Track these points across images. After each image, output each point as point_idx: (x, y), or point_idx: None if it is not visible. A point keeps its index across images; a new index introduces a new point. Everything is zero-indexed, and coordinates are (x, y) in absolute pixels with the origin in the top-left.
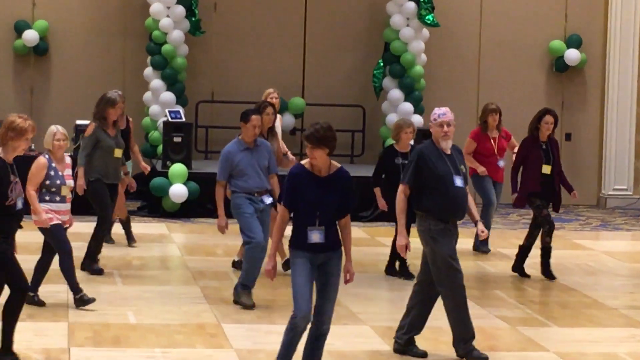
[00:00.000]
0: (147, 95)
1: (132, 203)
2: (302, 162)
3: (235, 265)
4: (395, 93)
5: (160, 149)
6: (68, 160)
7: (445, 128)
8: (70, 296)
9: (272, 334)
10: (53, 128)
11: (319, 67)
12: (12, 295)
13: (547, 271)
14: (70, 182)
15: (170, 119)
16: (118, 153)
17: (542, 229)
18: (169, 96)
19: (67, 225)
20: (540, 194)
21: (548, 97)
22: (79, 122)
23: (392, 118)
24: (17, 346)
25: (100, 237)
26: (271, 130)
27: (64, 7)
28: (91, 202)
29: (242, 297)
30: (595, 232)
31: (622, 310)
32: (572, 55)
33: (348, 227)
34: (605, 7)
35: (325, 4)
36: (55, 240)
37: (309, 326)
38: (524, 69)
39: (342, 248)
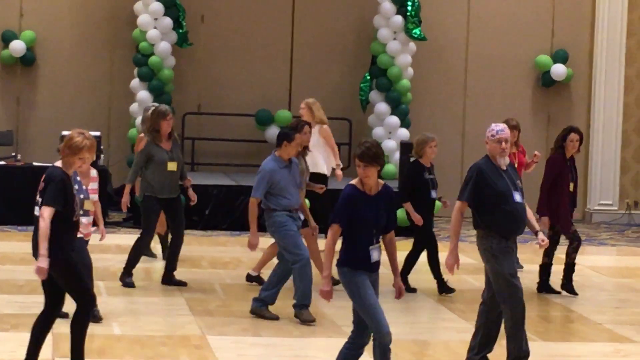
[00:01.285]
0: (134, 107)
1: (117, 214)
2: (352, 181)
3: (251, 279)
4: (382, 106)
5: None
6: (94, 173)
7: (504, 145)
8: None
9: (257, 345)
10: None
11: (305, 79)
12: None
13: (569, 286)
14: (94, 197)
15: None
16: (172, 166)
17: (570, 245)
18: None
19: (87, 239)
20: (568, 212)
21: (534, 111)
22: (65, 132)
23: (378, 131)
24: (1, 357)
25: (138, 251)
26: (305, 147)
27: (52, 18)
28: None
29: (303, 315)
30: (581, 247)
31: (607, 325)
32: (559, 70)
33: (393, 242)
34: (592, 22)
35: (312, 17)
36: None
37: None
38: (511, 84)
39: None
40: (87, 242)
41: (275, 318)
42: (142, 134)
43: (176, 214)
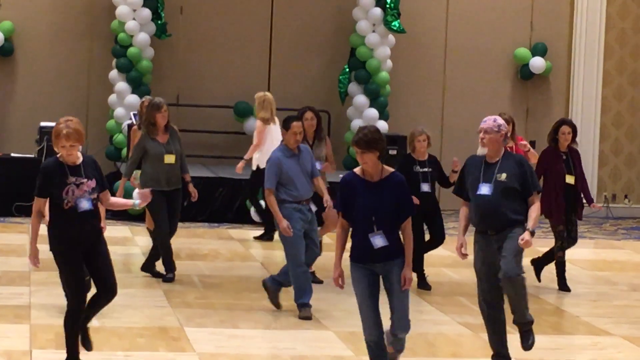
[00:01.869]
0: (112, 98)
1: None
2: (355, 169)
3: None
4: (361, 99)
5: (124, 151)
6: None
7: (481, 135)
8: (32, 299)
9: (236, 337)
10: None
11: (284, 71)
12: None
13: (561, 283)
14: None
15: (135, 122)
16: (169, 159)
17: (555, 243)
18: (134, 99)
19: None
20: (560, 207)
21: (513, 104)
22: (43, 123)
23: (357, 123)
24: None
25: (162, 245)
26: (318, 134)
27: (30, 9)
28: None
29: (300, 312)
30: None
31: (584, 318)
32: (537, 63)
33: (406, 231)
34: (571, 15)
35: (291, 9)
36: None
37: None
38: (489, 76)
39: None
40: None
41: (277, 306)
42: (135, 127)
43: (172, 207)
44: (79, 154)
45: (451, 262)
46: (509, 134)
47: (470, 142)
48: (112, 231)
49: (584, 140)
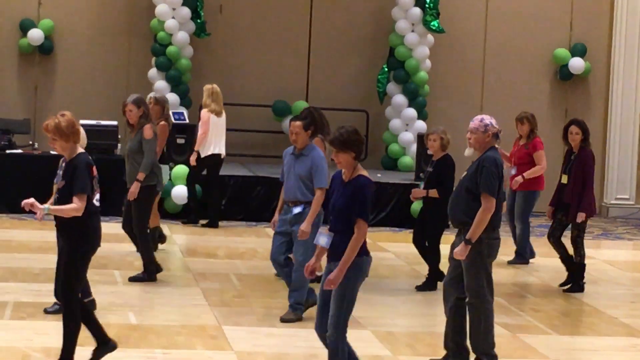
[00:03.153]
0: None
1: None
2: None
3: None
4: (399, 98)
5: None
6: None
7: (468, 135)
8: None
9: (273, 336)
10: None
11: (323, 70)
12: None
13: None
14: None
15: (174, 120)
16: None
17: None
18: (173, 97)
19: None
20: (556, 204)
21: (552, 105)
22: (82, 121)
23: (395, 123)
24: (17, 345)
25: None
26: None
27: (70, 7)
28: None
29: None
30: (597, 241)
31: (622, 319)
32: (577, 64)
33: (355, 235)
34: (610, 16)
35: (331, 8)
36: None
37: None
38: (528, 77)
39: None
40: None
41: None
42: (164, 123)
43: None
44: (77, 153)
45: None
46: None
47: (508, 143)
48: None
49: (623, 141)
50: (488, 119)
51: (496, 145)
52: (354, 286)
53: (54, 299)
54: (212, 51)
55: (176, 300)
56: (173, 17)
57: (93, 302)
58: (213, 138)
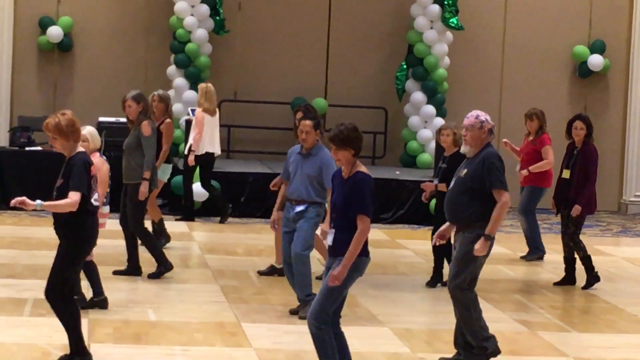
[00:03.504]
0: (170, 94)
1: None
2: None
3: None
4: (418, 95)
5: (182, 147)
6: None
7: (463, 132)
8: (89, 293)
9: (292, 333)
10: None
11: (342, 68)
12: None
13: (564, 279)
14: None
15: (192, 118)
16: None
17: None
18: (191, 95)
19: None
20: (560, 200)
21: (570, 102)
22: (101, 118)
23: (414, 120)
24: (38, 342)
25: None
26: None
27: (89, 4)
28: None
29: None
30: (616, 238)
31: None
32: (596, 61)
33: (358, 231)
34: (630, 13)
35: (349, 6)
36: None
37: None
38: (547, 74)
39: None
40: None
41: None
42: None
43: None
44: (76, 152)
45: (507, 259)
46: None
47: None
48: (170, 226)
49: None
50: (483, 115)
51: (505, 140)
52: (346, 283)
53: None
54: (231, 48)
55: (195, 298)
56: (192, 15)
57: (105, 300)
58: (207, 137)
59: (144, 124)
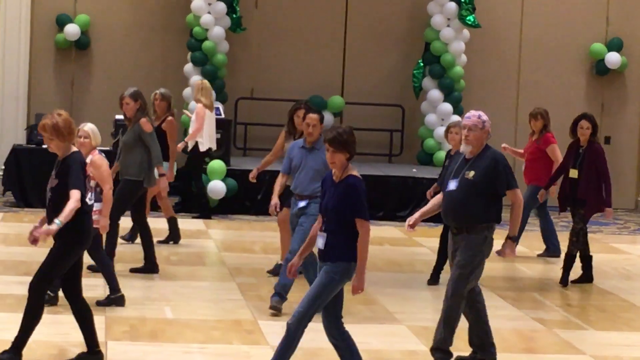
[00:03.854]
0: (187, 91)
1: (170, 199)
2: None
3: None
4: (435, 93)
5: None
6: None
7: (465, 132)
8: (107, 291)
9: (309, 331)
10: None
11: (358, 66)
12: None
13: (563, 277)
14: None
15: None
16: None
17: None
18: None
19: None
20: (566, 198)
21: (588, 100)
22: (118, 116)
23: (431, 118)
24: (55, 339)
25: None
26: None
27: (106, 2)
28: None
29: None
30: (633, 236)
31: None
32: (613, 59)
33: (360, 236)
34: None
35: (366, 3)
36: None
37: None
38: (564, 72)
39: (341, 262)
40: None
41: None
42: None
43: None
44: (71, 152)
45: (524, 258)
46: (535, 129)
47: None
48: (186, 224)
49: None
50: (484, 115)
51: (504, 145)
52: (334, 288)
53: (93, 293)
54: (247, 46)
55: (212, 295)
56: (209, 12)
57: (122, 297)
58: (207, 133)
59: (143, 121)
